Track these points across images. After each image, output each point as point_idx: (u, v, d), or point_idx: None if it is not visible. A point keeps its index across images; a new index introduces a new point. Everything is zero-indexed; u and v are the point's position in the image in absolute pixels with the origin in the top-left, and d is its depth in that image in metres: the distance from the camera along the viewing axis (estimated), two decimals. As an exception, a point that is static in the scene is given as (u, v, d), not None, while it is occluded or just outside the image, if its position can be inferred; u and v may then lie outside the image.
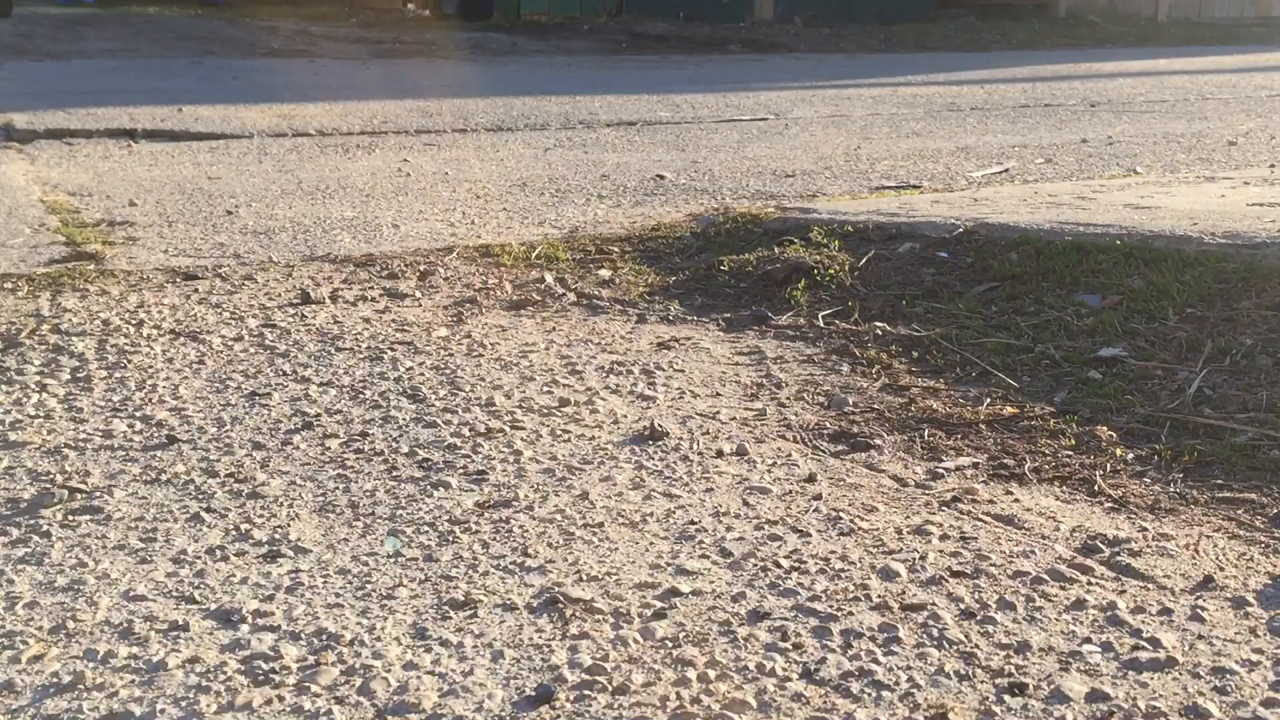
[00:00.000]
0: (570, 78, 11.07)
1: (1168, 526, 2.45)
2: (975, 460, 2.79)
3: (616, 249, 4.78)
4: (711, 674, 1.88)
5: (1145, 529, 2.44)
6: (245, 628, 2.00)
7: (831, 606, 2.09)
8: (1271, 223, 4.44)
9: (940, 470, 2.72)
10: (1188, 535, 2.41)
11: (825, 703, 1.81)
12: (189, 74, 10.90)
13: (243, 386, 3.19)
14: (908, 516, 2.48)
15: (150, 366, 3.33)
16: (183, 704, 1.78)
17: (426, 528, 2.38)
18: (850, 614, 2.07)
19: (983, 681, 1.87)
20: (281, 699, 1.80)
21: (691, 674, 1.88)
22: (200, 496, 2.52)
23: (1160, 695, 1.85)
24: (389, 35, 15.32)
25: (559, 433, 2.91)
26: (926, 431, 2.95)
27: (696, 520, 2.44)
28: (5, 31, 13.50)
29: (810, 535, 2.38)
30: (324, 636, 1.97)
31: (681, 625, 2.02)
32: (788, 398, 3.20)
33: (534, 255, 4.66)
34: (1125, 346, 3.43)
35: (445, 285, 4.21)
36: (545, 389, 3.21)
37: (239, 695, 1.80)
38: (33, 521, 2.37)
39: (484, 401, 3.10)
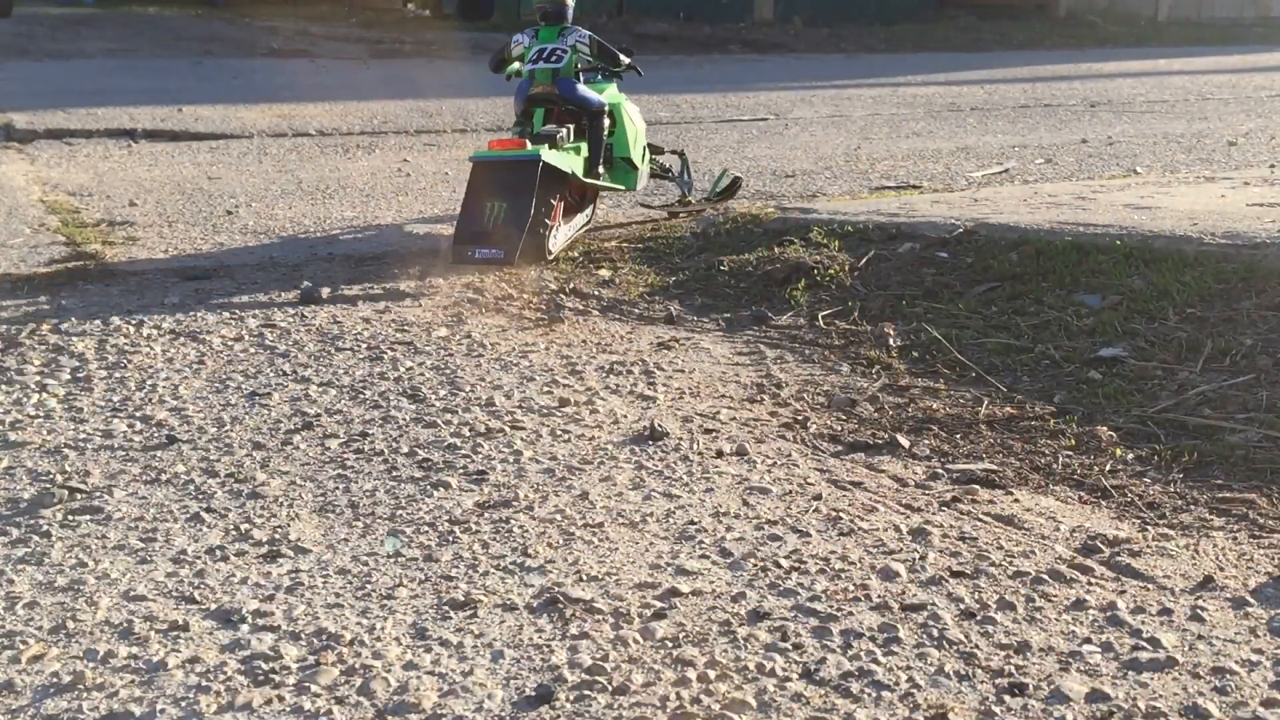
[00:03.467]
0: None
1: (1167, 526, 2.45)
2: (975, 460, 2.79)
3: (616, 249, 4.78)
4: (711, 674, 1.88)
5: (1145, 529, 2.44)
6: (245, 628, 2.00)
7: (831, 607, 2.09)
8: (1271, 223, 4.45)
9: (940, 470, 2.72)
10: (1188, 535, 2.41)
11: (825, 703, 1.81)
12: (189, 74, 10.90)
13: (243, 386, 3.19)
14: (907, 516, 2.48)
15: (150, 366, 3.33)
16: (183, 704, 1.78)
17: (426, 528, 2.39)
18: (850, 614, 2.07)
19: (983, 682, 1.88)
20: (281, 699, 1.80)
21: (691, 674, 1.88)
22: (200, 496, 2.52)
23: (1160, 695, 1.85)
24: (389, 35, 15.32)
25: (559, 433, 2.91)
26: (926, 431, 2.94)
27: (696, 520, 2.44)
28: (5, 31, 13.49)
29: (810, 535, 2.38)
30: (324, 636, 1.97)
31: (681, 625, 2.03)
32: (788, 397, 3.20)
33: (534, 255, 4.65)
34: (1125, 347, 3.43)
35: (445, 285, 4.21)
36: (545, 389, 3.21)
37: (239, 695, 1.80)
38: (33, 521, 2.38)
39: (484, 401, 3.10)
